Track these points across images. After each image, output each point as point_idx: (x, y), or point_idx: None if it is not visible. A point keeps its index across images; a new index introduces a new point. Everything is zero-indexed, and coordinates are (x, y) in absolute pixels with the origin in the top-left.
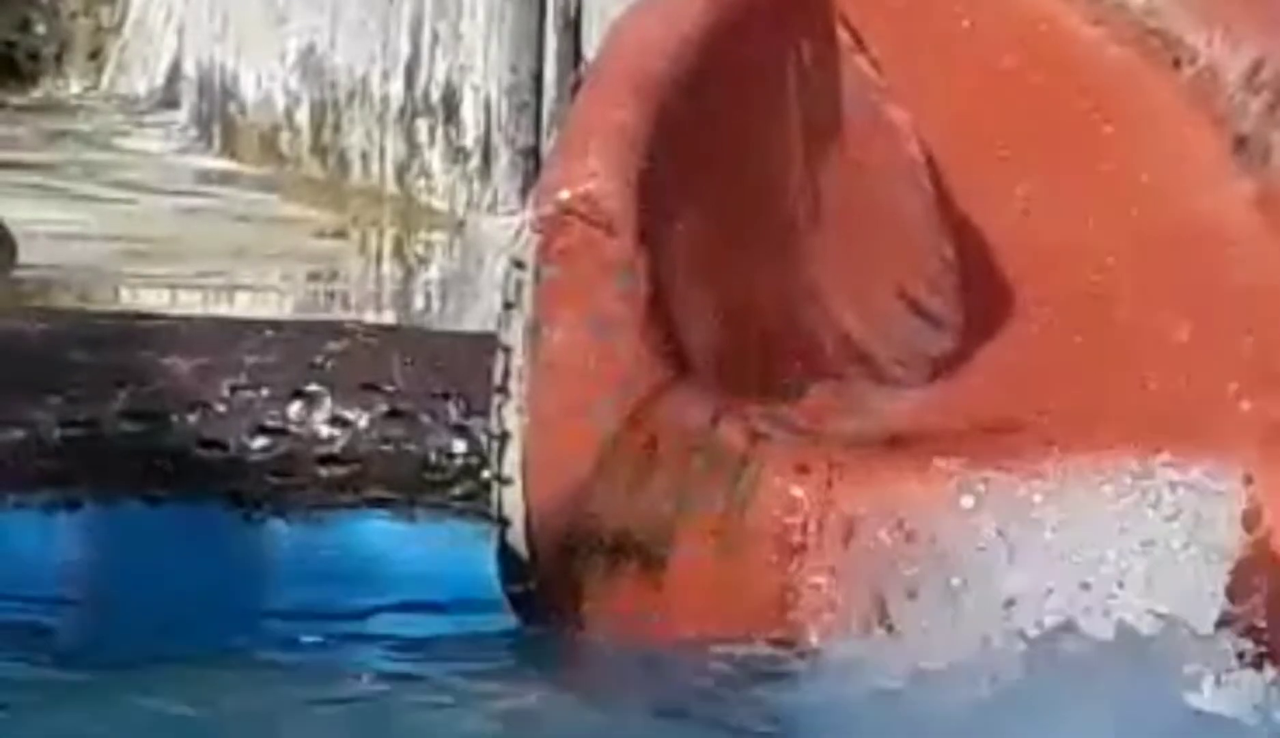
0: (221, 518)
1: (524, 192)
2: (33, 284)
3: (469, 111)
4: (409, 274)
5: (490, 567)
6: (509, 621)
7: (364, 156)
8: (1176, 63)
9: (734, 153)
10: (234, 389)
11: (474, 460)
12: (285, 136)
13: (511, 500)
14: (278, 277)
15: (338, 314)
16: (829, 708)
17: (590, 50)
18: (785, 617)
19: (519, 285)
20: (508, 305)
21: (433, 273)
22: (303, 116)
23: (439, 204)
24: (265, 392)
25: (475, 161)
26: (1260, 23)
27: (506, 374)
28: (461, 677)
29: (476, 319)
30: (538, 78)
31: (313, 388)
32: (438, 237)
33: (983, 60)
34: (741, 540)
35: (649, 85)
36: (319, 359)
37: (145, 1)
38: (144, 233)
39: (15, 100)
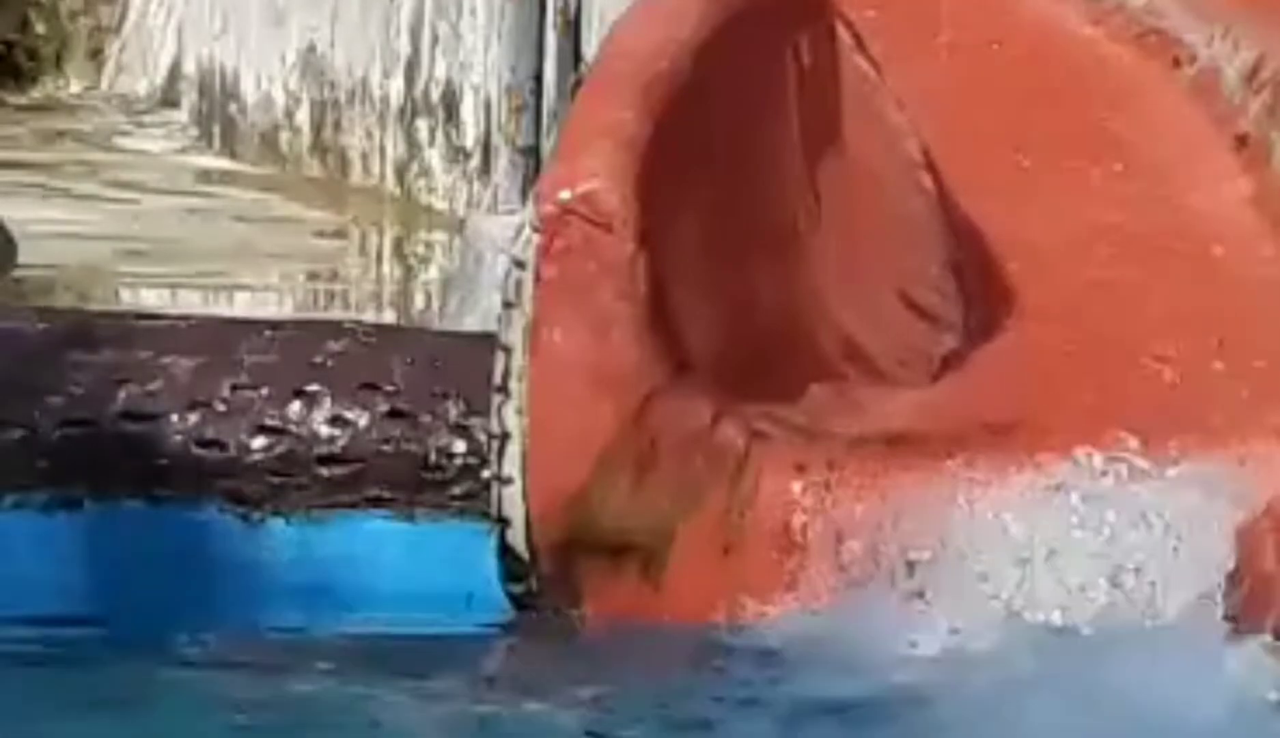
0: (221, 518)
1: (524, 192)
2: (33, 284)
3: (469, 111)
4: (409, 274)
5: (490, 566)
6: (509, 620)
7: (364, 157)
8: (1176, 62)
9: (734, 153)
10: (234, 389)
11: (474, 460)
12: (285, 136)
13: (511, 500)
14: (278, 277)
15: (338, 314)
16: (829, 706)
17: (590, 50)
18: (785, 616)
19: (519, 285)
20: (508, 305)
21: (433, 273)
22: (303, 116)
23: (439, 204)
24: (265, 392)
25: (475, 161)
26: (1260, 23)
27: (506, 374)
28: (461, 677)
29: (476, 319)
30: (538, 78)
31: (313, 388)
32: (438, 237)
33: (983, 60)
34: (741, 540)
35: (649, 86)
36: (319, 359)
37: (145, 1)
38: (144, 233)
39: (15, 100)
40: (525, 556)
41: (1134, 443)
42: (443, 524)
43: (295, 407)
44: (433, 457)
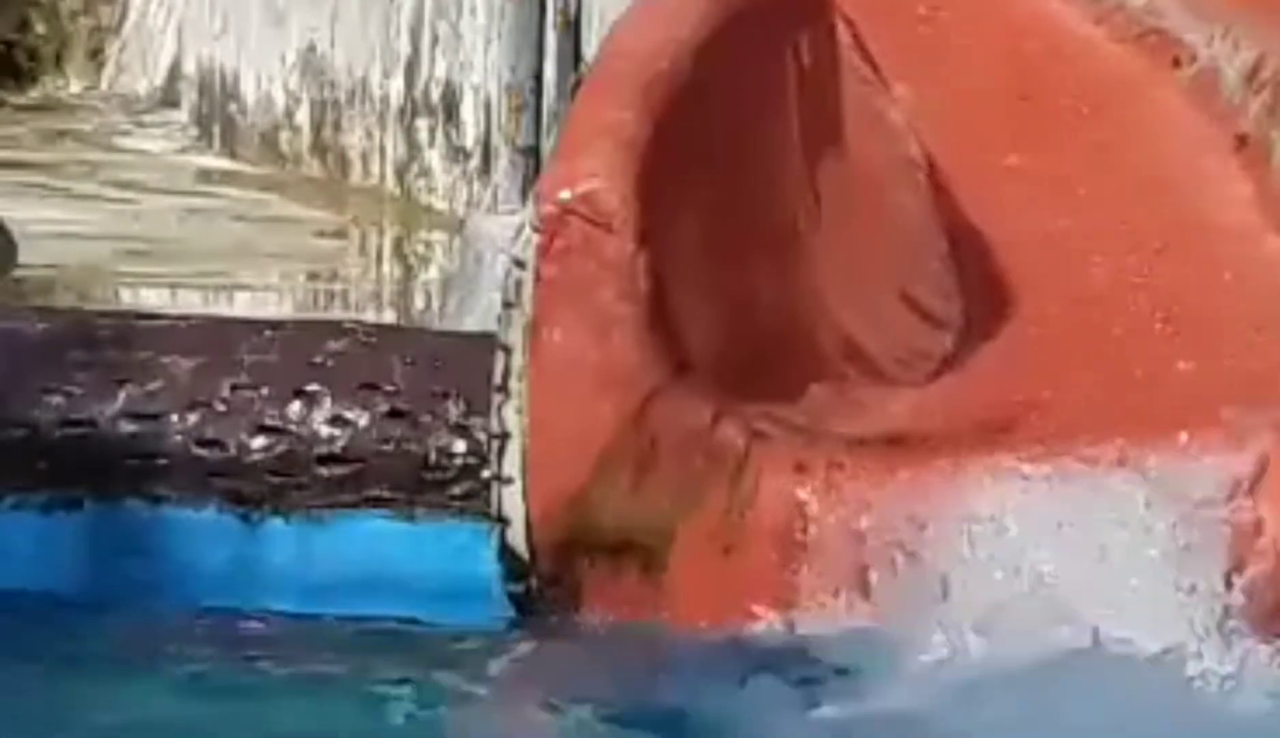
0: (221, 518)
1: (524, 192)
2: (33, 284)
3: (469, 111)
4: (409, 274)
5: (490, 566)
6: (509, 620)
7: (364, 157)
8: (1176, 62)
9: (734, 153)
10: (234, 389)
11: (474, 460)
12: (285, 136)
13: (511, 500)
14: (278, 277)
15: (338, 314)
16: (829, 706)
17: (590, 50)
18: (785, 616)
19: (519, 285)
20: (508, 305)
21: (433, 273)
22: (303, 116)
23: (439, 204)
24: (265, 392)
25: (475, 161)
26: (1260, 23)
27: (506, 374)
28: (461, 677)
29: (476, 319)
30: (538, 78)
31: (313, 388)
32: (438, 237)
33: (982, 60)
34: (741, 540)
35: (649, 86)
36: (319, 359)
37: (145, 1)
38: (144, 233)
39: (15, 100)
40: (525, 555)
41: (1136, 442)
42: (443, 524)
43: (295, 407)
44: (433, 457)
